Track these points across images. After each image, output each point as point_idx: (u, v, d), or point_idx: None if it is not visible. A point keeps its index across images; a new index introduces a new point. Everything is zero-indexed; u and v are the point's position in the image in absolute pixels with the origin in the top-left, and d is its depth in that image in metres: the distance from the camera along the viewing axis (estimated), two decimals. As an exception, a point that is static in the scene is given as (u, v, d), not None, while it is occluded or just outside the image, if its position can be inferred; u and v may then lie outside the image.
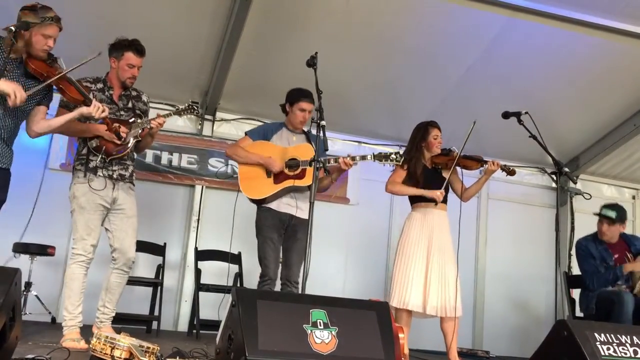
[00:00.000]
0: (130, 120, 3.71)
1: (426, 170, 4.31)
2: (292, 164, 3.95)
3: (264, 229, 3.95)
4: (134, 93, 3.83)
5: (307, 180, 3.88)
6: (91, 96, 3.40)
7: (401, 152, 3.94)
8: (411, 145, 4.39)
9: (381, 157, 3.88)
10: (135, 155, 3.90)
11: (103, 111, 3.34)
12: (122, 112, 3.73)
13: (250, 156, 3.99)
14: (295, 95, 4.04)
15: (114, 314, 3.80)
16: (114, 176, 3.65)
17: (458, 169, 4.37)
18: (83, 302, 3.61)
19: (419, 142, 4.35)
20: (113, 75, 3.73)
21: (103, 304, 3.74)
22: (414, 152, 4.35)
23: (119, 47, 3.69)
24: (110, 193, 3.64)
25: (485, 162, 4.26)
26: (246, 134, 4.17)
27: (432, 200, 4.21)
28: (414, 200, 4.36)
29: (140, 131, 3.69)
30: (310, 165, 3.83)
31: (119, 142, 3.60)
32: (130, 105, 3.78)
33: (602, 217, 4.73)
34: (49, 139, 5.63)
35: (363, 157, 3.89)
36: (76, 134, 3.70)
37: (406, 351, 4.05)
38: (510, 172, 4.30)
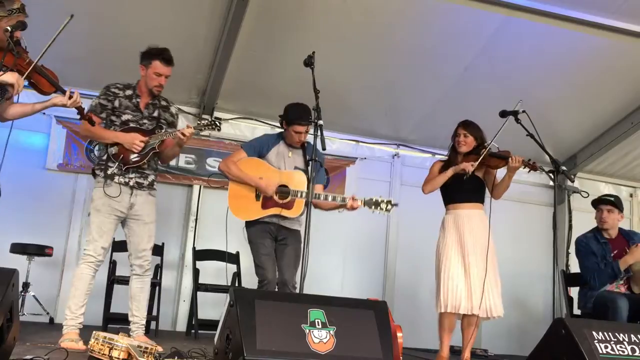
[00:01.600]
0: (148, 130, 3.74)
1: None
2: (283, 191, 3.88)
3: (255, 236, 3.94)
4: (163, 103, 3.87)
5: (294, 212, 3.85)
6: (67, 89, 3.38)
7: (393, 201, 3.87)
8: (450, 144, 4.37)
9: (371, 203, 3.86)
10: (160, 165, 3.96)
11: (75, 101, 3.33)
12: (145, 121, 3.77)
13: (242, 176, 3.89)
14: (290, 117, 3.94)
15: (144, 322, 3.82)
16: (131, 184, 3.70)
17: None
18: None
19: (453, 141, 4.33)
20: (142, 82, 3.80)
21: (132, 313, 3.77)
22: (450, 151, 4.35)
23: (148, 56, 3.74)
24: (127, 199, 3.68)
25: (508, 159, 4.12)
26: (242, 147, 4.11)
27: (462, 200, 4.15)
28: (446, 201, 4.30)
29: (158, 142, 3.73)
30: (301, 197, 3.79)
31: (136, 151, 3.65)
32: (155, 114, 3.81)
33: (601, 203, 4.74)
34: (46, 140, 5.63)
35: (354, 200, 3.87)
36: (95, 138, 3.82)
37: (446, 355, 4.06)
38: (533, 167, 4.14)
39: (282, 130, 4.07)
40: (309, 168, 3.59)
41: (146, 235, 3.76)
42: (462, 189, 4.14)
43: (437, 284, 4.17)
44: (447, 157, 4.39)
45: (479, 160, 4.12)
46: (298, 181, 3.88)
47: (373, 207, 3.85)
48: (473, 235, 4.13)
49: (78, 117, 3.51)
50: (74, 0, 4.66)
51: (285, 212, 3.87)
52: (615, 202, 4.72)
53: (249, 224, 4.00)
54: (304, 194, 3.76)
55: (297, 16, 4.94)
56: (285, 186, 3.88)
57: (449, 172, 4.19)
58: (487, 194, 4.38)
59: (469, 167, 4.08)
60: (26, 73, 3.18)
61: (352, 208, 3.86)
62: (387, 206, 3.82)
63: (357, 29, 5.06)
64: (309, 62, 3.56)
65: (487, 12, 4.80)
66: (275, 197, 3.86)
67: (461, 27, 5.04)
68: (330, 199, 3.87)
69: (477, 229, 4.16)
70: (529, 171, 4.19)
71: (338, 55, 5.21)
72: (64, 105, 3.34)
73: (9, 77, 3.08)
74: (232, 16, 4.72)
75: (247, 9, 4.63)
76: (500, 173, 4.33)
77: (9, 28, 3.07)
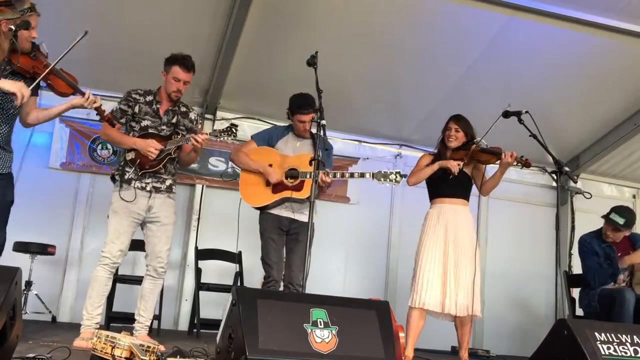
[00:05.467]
0: (166, 137, 3.76)
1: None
2: (292, 174, 3.94)
3: (266, 231, 3.98)
4: (183, 109, 3.88)
5: (304, 193, 3.88)
6: (84, 90, 3.38)
7: (402, 172, 3.86)
8: (440, 138, 4.32)
9: (380, 176, 3.83)
10: (178, 169, 3.99)
11: (94, 102, 3.33)
12: (164, 127, 3.79)
13: (251, 163, 4.01)
14: (294, 106, 4.00)
15: (149, 323, 3.83)
16: (147, 188, 3.73)
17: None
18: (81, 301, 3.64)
19: (443, 135, 4.27)
20: (163, 88, 3.81)
21: (138, 313, 3.78)
22: (439, 145, 4.30)
23: (169, 62, 3.77)
24: (145, 202, 3.72)
25: (501, 154, 4.07)
26: (252, 137, 4.19)
27: (448, 194, 4.11)
28: (432, 196, 4.26)
29: (174, 148, 3.74)
30: (311, 177, 3.79)
31: (152, 157, 3.66)
32: (174, 120, 3.83)
33: (609, 221, 4.71)
34: (49, 139, 5.63)
35: (361, 175, 3.88)
36: (114, 143, 3.97)
37: (411, 354, 4.04)
38: (526, 164, 4.11)
39: (290, 122, 4.12)
40: (314, 162, 3.58)
41: (164, 237, 3.78)
42: (448, 184, 4.08)
43: (413, 278, 4.10)
44: (436, 151, 4.33)
45: (467, 156, 4.08)
46: (306, 162, 3.89)
47: (382, 178, 3.82)
48: (456, 231, 4.06)
49: (98, 118, 3.49)
50: (78, 0, 4.70)
51: (295, 194, 3.91)
52: (623, 226, 4.66)
53: (262, 214, 4.03)
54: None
55: (300, 16, 4.94)
56: (294, 169, 3.93)
57: (435, 166, 4.14)
58: (474, 191, 4.30)
59: (455, 167, 4.01)
60: (39, 79, 3.18)
61: (324, 183, 3.78)
62: (396, 177, 3.80)
63: (360, 29, 5.06)
64: (311, 62, 3.56)
65: (490, 12, 4.79)
66: (285, 180, 3.92)
67: (464, 27, 5.04)
68: (331, 176, 3.85)
69: (461, 225, 4.09)
70: (522, 167, 4.15)
71: (341, 55, 5.21)
72: (82, 106, 3.35)
73: (10, 85, 2.99)
74: (235, 16, 4.72)
75: (250, 9, 4.63)
76: (491, 170, 4.28)
77: (12, 27, 3.06)
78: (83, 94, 3.33)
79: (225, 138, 3.78)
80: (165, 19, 4.90)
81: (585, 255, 4.77)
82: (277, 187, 3.95)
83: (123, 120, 3.75)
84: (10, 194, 3.33)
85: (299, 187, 3.92)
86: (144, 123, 3.76)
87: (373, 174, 3.84)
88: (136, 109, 3.75)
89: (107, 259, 3.65)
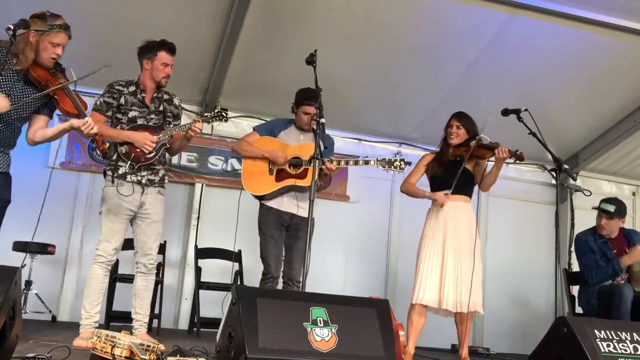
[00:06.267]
0: (157, 126, 3.74)
1: (448, 163, 4.19)
2: (295, 162, 3.95)
3: (266, 227, 3.97)
4: (166, 96, 3.86)
5: (308, 181, 3.87)
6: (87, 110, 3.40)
7: (405, 159, 3.89)
8: (443, 136, 4.33)
9: (384, 163, 3.84)
10: (167, 157, 3.95)
11: (92, 129, 3.25)
12: (152, 116, 3.76)
13: (254, 150, 4.02)
14: (299, 98, 4.03)
15: (147, 320, 3.83)
16: (143, 182, 3.70)
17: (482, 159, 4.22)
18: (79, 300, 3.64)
19: (445, 132, 4.28)
20: (146, 77, 3.76)
21: (135, 311, 3.77)
22: (442, 142, 4.31)
23: (151, 48, 3.72)
24: (138, 197, 3.69)
25: (495, 149, 4.08)
26: (254, 129, 4.20)
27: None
28: (433, 192, 4.28)
29: (168, 138, 3.72)
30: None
31: (146, 151, 3.64)
32: (161, 108, 3.80)
33: (600, 211, 4.74)
34: (49, 138, 5.62)
35: (366, 162, 3.88)
36: (105, 139, 3.72)
37: (412, 351, 4.05)
38: (520, 157, 4.11)
39: (293, 117, 4.13)
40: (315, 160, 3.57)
41: (154, 234, 3.76)
42: (450, 181, 4.07)
43: (414, 275, 4.14)
44: (438, 149, 4.35)
45: (468, 153, 4.07)
46: (309, 151, 3.89)
47: (387, 165, 3.84)
48: (456, 228, 4.08)
49: (93, 144, 3.49)
50: (78, 0, 4.70)
51: (299, 182, 3.91)
52: (614, 213, 4.68)
53: (262, 207, 4.01)
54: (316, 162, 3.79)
55: (299, 14, 4.93)
56: (298, 158, 3.93)
57: (426, 195, 4.22)
58: (474, 189, 4.30)
59: (443, 199, 4.08)
60: (46, 91, 3.21)
61: (330, 170, 3.85)
62: (400, 164, 3.83)
63: (359, 27, 5.06)
64: (311, 61, 3.56)
65: (490, 10, 4.80)
66: (288, 169, 3.93)
67: (464, 25, 5.03)
68: (335, 163, 3.86)
69: (461, 222, 4.10)
70: (515, 161, 4.16)
71: (340, 54, 5.21)
72: (79, 130, 3.28)
73: None
74: (234, 14, 4.72)
75: (249, 8, 4.63)
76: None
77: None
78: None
79: (217, 123, 3.77)
80: (165, 19, 4.89)
81: (581, 253, 4.78)
82: (280, 175, 3.95)
83: (109, 113, 3.69)
84: (4, 193, 3.32)
85: (302, 175, 3.93)
86: (132, 114, 3.71)
87: (377, 161, 3.86)
88: (122, 101, 3.70)
89: (103, 257, 3.63)
